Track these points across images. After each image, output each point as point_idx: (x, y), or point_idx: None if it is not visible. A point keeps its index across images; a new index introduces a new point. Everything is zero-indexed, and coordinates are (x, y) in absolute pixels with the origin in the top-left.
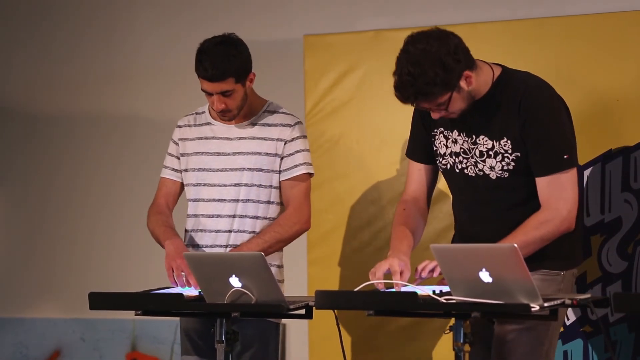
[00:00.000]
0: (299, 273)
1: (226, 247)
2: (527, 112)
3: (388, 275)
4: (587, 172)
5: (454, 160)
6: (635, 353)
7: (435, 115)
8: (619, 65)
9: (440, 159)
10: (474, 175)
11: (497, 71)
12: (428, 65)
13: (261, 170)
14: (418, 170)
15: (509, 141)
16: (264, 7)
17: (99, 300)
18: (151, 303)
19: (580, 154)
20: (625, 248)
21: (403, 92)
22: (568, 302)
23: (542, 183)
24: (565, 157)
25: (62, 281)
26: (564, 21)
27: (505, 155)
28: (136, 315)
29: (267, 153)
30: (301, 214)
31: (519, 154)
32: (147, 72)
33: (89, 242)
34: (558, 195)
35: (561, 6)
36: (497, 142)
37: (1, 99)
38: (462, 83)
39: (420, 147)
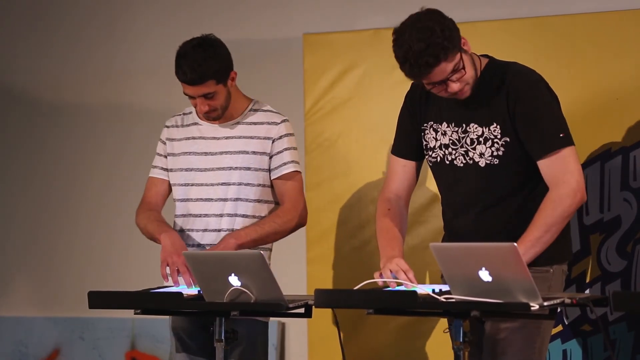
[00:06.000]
0: (299, 272)
1: None
2: (516, 97)
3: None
4: (586, 171)
5: (444, 152)
6: (634, 352)
7: (454, 87)
8: (618, 64)
9: (430, 153)
10: (462, 165)
11: (484, 61)
12: (432, 27)
13: (248, 169)
14: (403, 167)
15: (498, 126)
16: (263, 6)
17: (98, 299)
18: (150, 302)
19: (579, 153)
20: (624, 247)
21: (419, 60)
22: (568, 301)
23: (544, 164)
24: (560, 135)
25: (62, 280)
26: (563, 20)
27: (495, 140)
28: (135, 314)
29: (254, 152)
30: (298, 209)
31: (507, 139)
32: (147, 69)
33: (88, 241)
34: (562, 170)
35: (561, 5)
36: (487, 128)
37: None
38: (464, 47)
39: (407, 144)
